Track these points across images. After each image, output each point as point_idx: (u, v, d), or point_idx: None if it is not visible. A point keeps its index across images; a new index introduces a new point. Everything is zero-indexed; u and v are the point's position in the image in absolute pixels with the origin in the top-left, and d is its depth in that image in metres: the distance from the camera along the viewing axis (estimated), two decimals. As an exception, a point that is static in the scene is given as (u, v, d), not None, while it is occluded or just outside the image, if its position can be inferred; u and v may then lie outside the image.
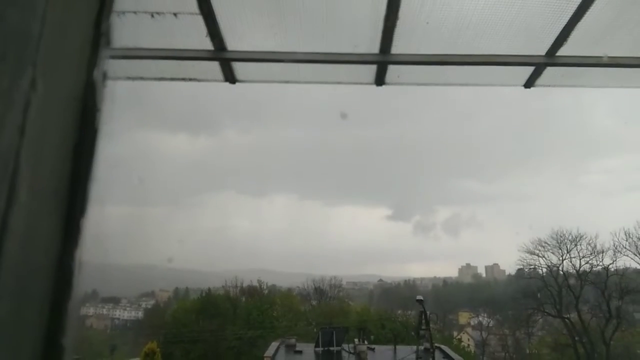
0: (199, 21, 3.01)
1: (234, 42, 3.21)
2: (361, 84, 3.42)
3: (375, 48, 3.14)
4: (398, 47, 3.13)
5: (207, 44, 3.20)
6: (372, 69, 3.32)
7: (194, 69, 3.44)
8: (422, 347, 15.87)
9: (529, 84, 3.51)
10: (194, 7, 2.92)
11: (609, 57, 3.07)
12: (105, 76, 0.58)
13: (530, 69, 3.38)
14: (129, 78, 3.39)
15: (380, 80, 3.38)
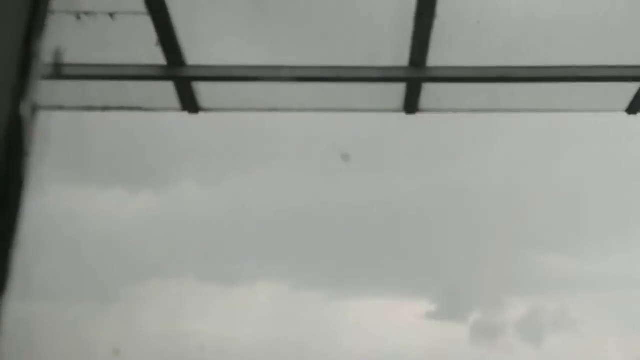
0: (146, 24, 2.90)
1: (196, 54, 3.10)
2: (384, 111, 3.39)
3: (403, 59, 3.04)
4: (436, 57, 3.03)
5: (158, 57, 3.08)
6: (399, 89, 3.24)
7: (138, 93, 3.37)
8: None
9: (634, 108, 3.24)
10: (138, 3, 2.76)
11: None
12: (35, 109, 0.66)
13: (635, 87, 3.11)
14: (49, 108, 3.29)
15: (411, 105, 3.28)
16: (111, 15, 2.86)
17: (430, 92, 3.27)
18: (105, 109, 3.31)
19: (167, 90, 3.31)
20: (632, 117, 3.28)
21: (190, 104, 3.33)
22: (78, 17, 2.79)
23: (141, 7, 2.82)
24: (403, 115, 3.34)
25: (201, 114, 3.38)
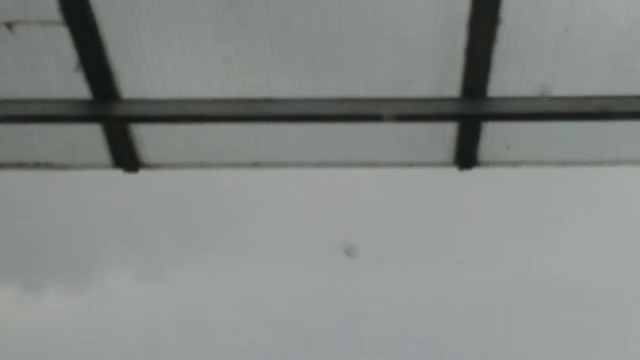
0: (62, 39, 2.98)
1: (136, 83, 3.16)
2: (424, 165, 3.49)
3: (452, 87, 3.16)
4: (502, 84, 3.16)
5: (79, 88, 3.15)
6: (447, 132, 3.33)
7: (49, 142, 3.41)
8: None
9: None
10: (49, 9, 2.86)
11: None
12: None
13: None
14: None
15: (466, 155, 3.39)
16: (9, 25, 2.92)
17: (494, 135, 3.37)
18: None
19: (92, 136, 3.35)
20: None
21: (126, 157, 3.38)
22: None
23: (54, 14, 2.87)
24: (454, 171, 3.46)
25: (142, 173, 3.43)
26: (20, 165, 3.40)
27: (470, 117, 3.30)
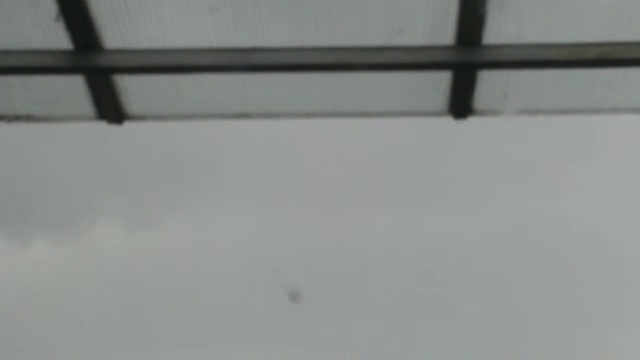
0: None
1: (119, 32, 3.12)
2: (419, 114, 3.48)
3: (446, 35, 3.15)
4: (499, 30, 3.15)
5: (59, 38, 3.12)
6: (441, 81, 3.32)
7: (29, 94, 3.37)
8: None
9: None
10: None
11: None
12: None
13: None
14: None
15: (461, 105, 3.37)
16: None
17: (489, 83, 3.36)
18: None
19: (74, 88, 3.33)
20: None
21: (110, 109, 3.36)
22: None
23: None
24: (449, 120, 3.46)
25: (127, 125, 3.41)
26: (0, 117, 3.40)
27: (465, 65, 3.28)
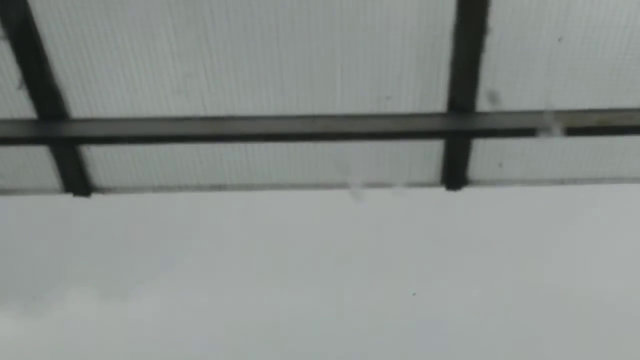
0: (3, 54, 2.98)
1: (85, 100, 3.14)
2: (410, 185, 3.48)
3: (437, 101, 3.19)
4: (493, 97, 3.19)
5: (23, 107, 3.13)
6: (433, 150, 3.36)
7: None
8: None
9: None
10: None
11: None
12: None
13: None
14: None
15: (454, 175, 3.40)
16: None
17: (484, 152, 3.40)
18: None
19: (38, 159, 3.34)
20: None
21: (76, 181, 3.37)
22: None
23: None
24: (441, 191, 3.49)
25: (95, 197, 3.43)
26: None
27: (457, 133, 3.30)
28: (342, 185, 3.48)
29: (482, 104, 3.21)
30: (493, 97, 3.08)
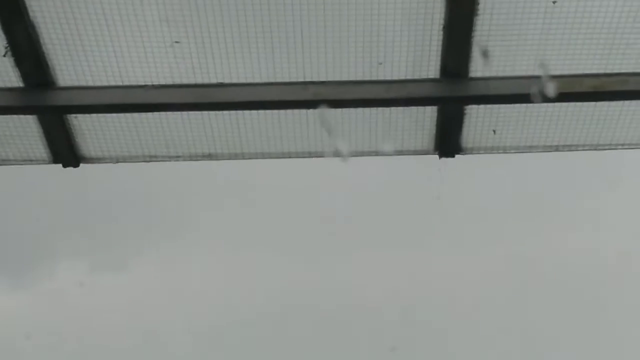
0: None
1: (73, 68, 3.11)
2: (403, 154, 3.47)
3: (430, 67, 3.18)
4: (486, 62, 3.19)
5: (9, 75, 3.11)
6: (426, 117, 3.35)
7: None
8: None
9: None
10: None
11: None
12: None
13: None
14: None
15: (448, 143, 3.40)
16: None
17: (477, 119, 3.39)
18: None
19: (26, 129, 3.34)
20: None
21: (65, 151, 3.36)
22: None
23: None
24: (434, 159, 3.48)
25: (83, 167, 3.42)
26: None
27: (450, 99, 3.30)
28: (334, 153, 3.47)
29: (476, 70, 3.19)
30: (485, 55, 3.06)
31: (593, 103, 3.31)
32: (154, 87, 3.15)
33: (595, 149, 3.54)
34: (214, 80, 3.14)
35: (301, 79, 3.18)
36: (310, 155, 3.47)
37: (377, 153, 3.49)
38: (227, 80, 3.15)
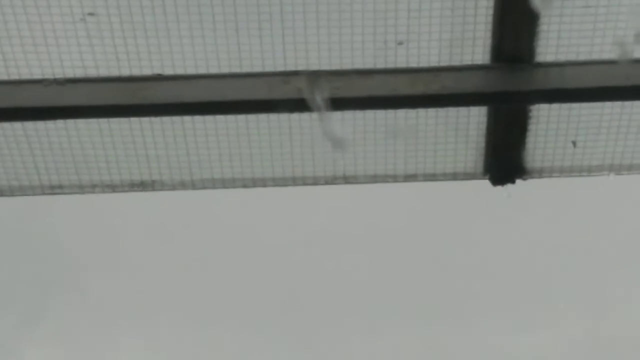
0: None
1: None
2: (435, 178, 3.15)
3: (477, 48, 2.80)
4: (560, 44, 2.78)
5: None
6: (470, 122, 2.98)
7: None
8: None
9: None
10: None
11: None
12: None
13: None
14: None
15: (504, 162, 3.02)
16: None
17: (549, 125, 2.97)
18: None
19: None
20: None
21: None
22: None
23: None
24: (485, 184, 3.11)
25: None
26: None
27: (508, 95, 2.85)
28: (338, 180, 3.07)
29: (546, 52, 2.76)
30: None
31: None
32: (57, 82, 2.71)
33: None
34: (148, 72, 2.72)
35: (281, 68, 2.75)
36: (294, 182, 3.03)
37: (395, 178, 3.07)
38: (168, 71, 2.72)
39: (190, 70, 2.73)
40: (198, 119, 2.86)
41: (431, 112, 2.92)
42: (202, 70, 2.73)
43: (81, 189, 3.00)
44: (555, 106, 2.89)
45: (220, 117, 2.86)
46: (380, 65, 2.79)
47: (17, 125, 2.82)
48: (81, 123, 2.83)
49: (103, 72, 2.73)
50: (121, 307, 5.70)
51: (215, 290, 5.55)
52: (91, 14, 2.61)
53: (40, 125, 2.83)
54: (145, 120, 2.84)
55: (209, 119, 2.86)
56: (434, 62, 2.79)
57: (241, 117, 2.87)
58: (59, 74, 2.70)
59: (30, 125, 2.83)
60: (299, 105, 2.74)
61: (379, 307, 5.84)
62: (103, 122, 2.82)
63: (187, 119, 2.85)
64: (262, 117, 2.86)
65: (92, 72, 2.73)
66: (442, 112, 2.93)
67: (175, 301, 5.75)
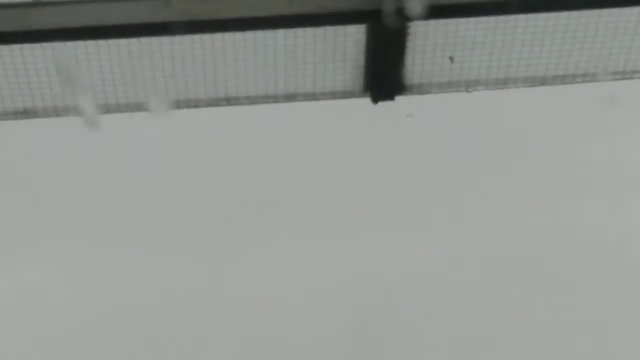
0: None
1: None
2: (318, 97, 3.18)
3: None
4: None
5: None
6: (349, 40, 3.01)
7: None
8: None
9: None
10: None
11: None
12: None
13: None
14: None
15: (383, 79, 3.07)
16: None
17: (427, 41, 3.03)
18: None
19: None
20: None
21: None
22: None
23: None
24: (365, 103, 3.15)
25: None
26: None
27: (382, 14, 2.80)
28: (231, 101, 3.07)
29: None
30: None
31: (599, 10, 2.96)
32: None
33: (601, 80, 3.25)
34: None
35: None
36: (177, 105, 3.00)
37: (276, 99, 3.11)
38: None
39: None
40: (80, 44, 2.79)
41: (309, 31, 2.96)
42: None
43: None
44: (432, 22, 2.91)
45: (102, 42, 2.80)
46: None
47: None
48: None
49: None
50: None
51: (101, 210, 5.64)
52: None
53: None
54: (26, 47, 2.77)
55: (91, 43, 2.81)
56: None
57: (123, 42, 2.83)
58: None
59: None
60: (177, 27, 2.71)
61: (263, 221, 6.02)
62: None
63: (57, 45, 2.78)
64: (144, 40, 2.82)
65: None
66: (320, 31, 2.97)
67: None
